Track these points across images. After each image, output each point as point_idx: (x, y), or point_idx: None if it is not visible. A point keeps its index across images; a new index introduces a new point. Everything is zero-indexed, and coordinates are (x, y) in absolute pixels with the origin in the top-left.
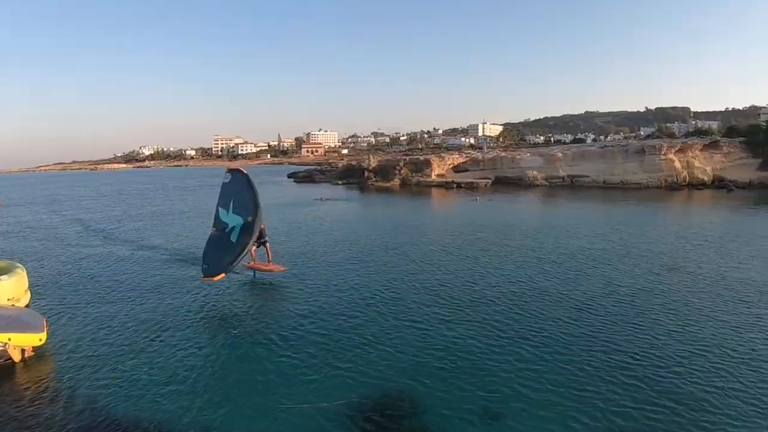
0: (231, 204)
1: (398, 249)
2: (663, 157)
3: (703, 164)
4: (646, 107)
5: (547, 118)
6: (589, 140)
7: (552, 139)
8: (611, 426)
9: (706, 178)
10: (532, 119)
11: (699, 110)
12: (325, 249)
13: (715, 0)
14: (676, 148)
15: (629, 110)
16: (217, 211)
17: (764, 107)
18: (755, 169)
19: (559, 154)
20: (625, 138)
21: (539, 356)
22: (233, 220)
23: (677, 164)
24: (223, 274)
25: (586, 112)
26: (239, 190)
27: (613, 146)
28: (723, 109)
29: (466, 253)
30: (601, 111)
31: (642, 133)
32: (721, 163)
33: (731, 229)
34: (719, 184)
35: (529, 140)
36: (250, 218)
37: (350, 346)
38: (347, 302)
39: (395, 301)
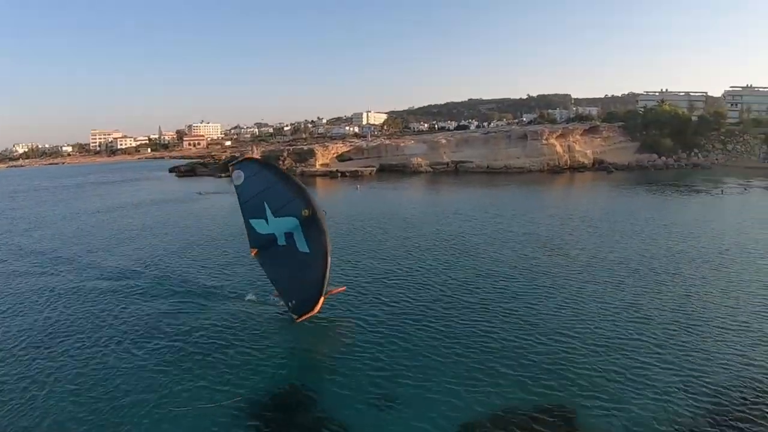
0: (266, 208)
1: None
2: (545, 142)
3: (584, 148)
4: (528, 94)
5: (431, 105)
6: (472, 127)
7: (436, 126)
8: (490, 400)
9: (586, 162)
10: (416, 107)
11: (580, 97)
12: (201, 248)
13: None
14: (558, 133)
15: (512, 97)
16: (249, 226)
17: (642, 94)
18: (633, 152)
19: (443, 141)
20: (508, 124)
21: (424, 341)
22: (281, 225)
23: (559, 148)
24: (322, 300)
25: (470, 99)
26: (267, 186)
27: (496, 132)
28: (603, 96)
29: (345, 246)
30: (485, 98)
31: (525, 119)
32: (601, 146)
33: (612, 209)
34: (599, 166)
35: (414, 128)
36: (305, 211)
37: (236, 345)
38: (225, 299)
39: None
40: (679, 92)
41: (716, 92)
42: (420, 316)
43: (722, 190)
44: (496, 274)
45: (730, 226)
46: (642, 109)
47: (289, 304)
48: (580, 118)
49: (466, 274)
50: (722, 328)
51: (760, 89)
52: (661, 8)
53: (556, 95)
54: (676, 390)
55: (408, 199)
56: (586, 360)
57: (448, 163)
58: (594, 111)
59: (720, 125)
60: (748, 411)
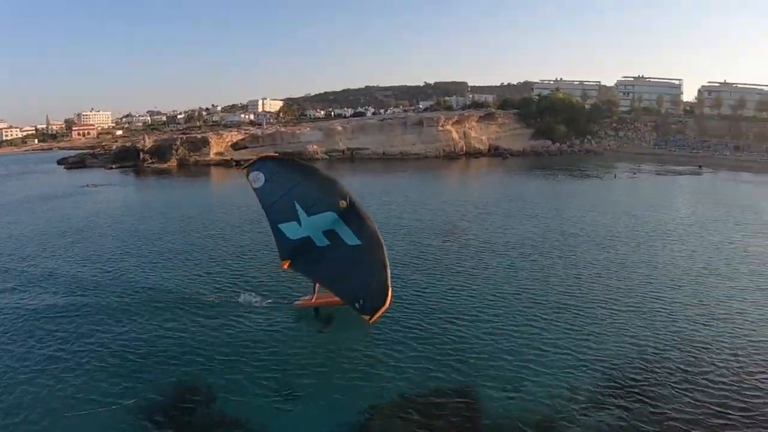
0: (297, 208)
1: (163, 239)
2: (441, 128)
3: (480, 135)
4: (425, 82)
5: (327, 92)
6: (369, 114)
7: (333, 113)
8: (390, 388)
9: (482, 148)
10: (313, 94)
11: (476, 85)
12: (78, 247)
13: None
14: (454, 120)
15: (409, 84)
16: (278, 233)
17: (537, 82)
18: (528, 139)
19: (339, 128)
20: (404, 111)
21: (321, 334)
22: (317, 224)
23: (455, 135)
24: (390, 293)
25: (366, 86)
26: (293, 184)
27: (392, 119)
28: (499, 84)
29: (240, 238)
30: (381, 85)
31: (421, 106)
32: (497, 133)
33: (506, 194)
34: (495, 152)
35: (310, 115)
36: (342, 202)
37: (133, 344)
38: (114, 297)
39: (170, 292)
40: (574, 81)
41: (609, 82)
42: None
43: (615, 175)
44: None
45: (621, 209)
46: (537, 97)
47: (357, 305)
48: (477, 105)
49: None
50: (613, 308)
51: (651, 79)
52: (556, 2)
53: (452, 83)
54: (571, 368)
55: None
56: (482, 343)
57: (344, 151)
58: (490, 98)
59: (612, 113)
60: (638, 384)
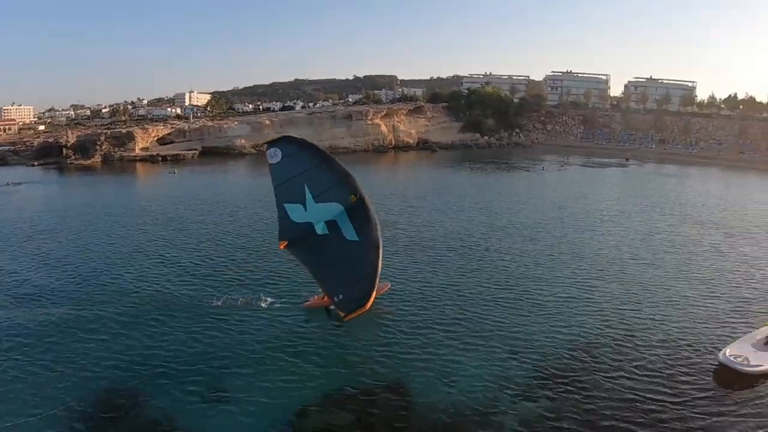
0: (306, 192)
1: (80, 239)
2: (370, 122)
3: (409, 128)
4: (354, 75)
5: (256, 86)
6: (298, 107)
7: (261, 107)
8: (323, 385)
9: (411, 141)
10: (241, 87)
11: (406, 78)
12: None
13: None
14: (383, 113)
15: (339, 78)
16: (282, 212)
17: (466, 76)
18: (457, 132)
19: (267, 122)
20: (333, 105)
21: (250, 332)
22: (321, 212)
23: (384, 128)
24: (374, 295)
25: (295, 79)
26: (308, 167)
27: (321, 113)
28: (428, 78)
29: (159, 236)
30: (311, 79)
31: (350, 99)
32: (426, 126)
33: (435, 187)
34: (424, 145)
35: (239, 109)
36: (353, 196)
37: (57, 350)
38: (47, 302)
39: (109, 296)
40: (503, 76)
41: (538, 76)
42: (238, 306)
43: (543, 167)
44: None
45: (549, 202)
46: (466, 91)
47: (335, 299)
48: (406, 99)
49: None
50: (541, 299)
51: (579, 74)
52: None
53: (382, 76)
54: (501, 359)
55: (231, 182)
56: (412, 338)
57: None
58: (419, 92)
59: (541, 107)
60: (567, 373)
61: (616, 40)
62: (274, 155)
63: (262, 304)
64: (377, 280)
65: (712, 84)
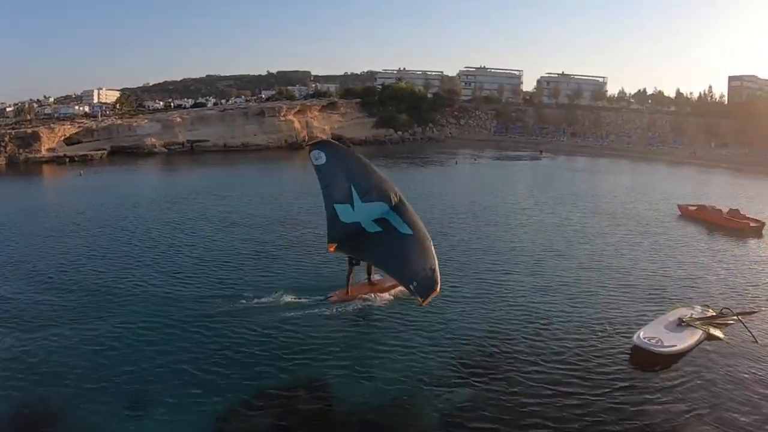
0: (353, 192)
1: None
2: (283, 118)
3: (322, 124)
4: (268, 71)
5: (167, 82)
6: (210, 104)
7: (173, 104)
8: (242, 386)
9: (325, 137)
10: (152, 84)
11: (320, 74)
12: None
13: None
14: (296, 110)
15: (252, 74)
16: (333, 213)
17: (380, 72)
18: (371, 128)
19: (178, 119)
20: (246, 101)
21: (163, 338)
22: (368, 212)
23: (297, 125)
24: (440, 281)
25: (207, 76)
26: (352, 169)
27: (233, 109)
28: (342, 74)
29: (71, 248)
30: (223, 75)
31: (263, 96)
32: (339, 122)
33: None
34: (338, 141)
35: (149, 106)
36: (394, 197)
37: None
38: None
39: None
40: (417, 71)
41: (452, 72)
42: (154, 308)
43: (456, 162)
44: (227, 257)
45: (462, 196)
46: (380, 87)
47: (411, 286)
48: (319, 95)
49: (193, 264)
50: (457, 293)
51: (492, 70)
52: None
53: (296, 72)
54: (420, 351)
55: (140, 183)
56: (327, 336)
57: (183, 143)
58: (333, 88)
59: (454, 102)
60: (487, 363)
61: (529, 37)
62: (318, 157)
63: (174, 313)
64: (437, 265)
65: (622, 79)
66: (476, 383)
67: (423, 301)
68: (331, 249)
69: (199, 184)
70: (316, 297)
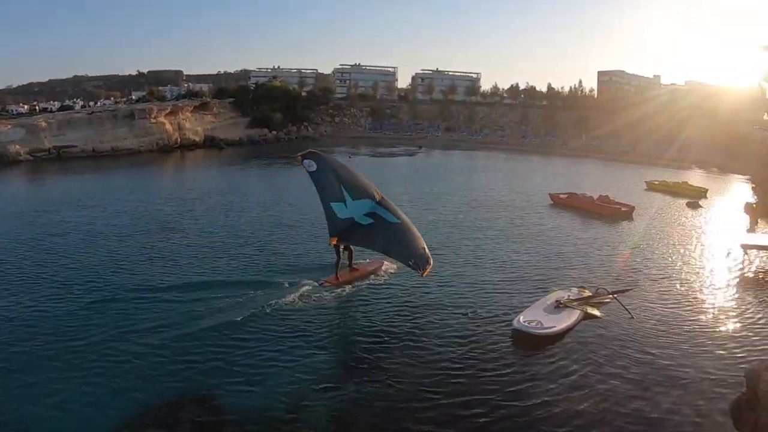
0: (344, 192)
1: None
2: (153, 120)
3: (195, 125)
4: (138, 71)
5: (32, 84)
6: (77, 107)
7: (38, 107)
8: (127, 402)
9: (197, 139)
10: (15, 86)
11: (192, 73)
12: None
13: None
14: (167, 111)
15: (121, 74)
16: (329, 210)
17: (254, 71)
18: (245, 128)
19: (44, 124)
20: (116, 103)
21: (35, 352)
22: (359, 208)
23: (168, 127)
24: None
25: (75, 76)
26: (339, 173)
27: (102, 112)
28: (215, 73)
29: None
30: (91, 75)
31: (134, 97)
32: (212, 123)
33: (221, 187)
34: (211, 143)
35: (12, 110)
36: (376, 194)
37: None
38: None
39: None
40: (292, 69)
41: (327, 70)
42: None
43: None
44: (102, 271)
45: None
46: (253, 85)
47: (410, 263)
48: (191, 95)
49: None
50: (335, 293)
51: (366, 67)
52: None
53: (167, 71)
54: (305, 355)
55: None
56: (215, 344)
57: (49, 149)
58: (205, 87)
59: (329, 100)
60: (373, 358)
61: (404, 34)
62: (310, 165)
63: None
64: (425, 244)
65: (496, 76)
66: (363, 379)
67: (423, 274)
68: (333, 242)
69: (64, 194)
70: (188, 305)
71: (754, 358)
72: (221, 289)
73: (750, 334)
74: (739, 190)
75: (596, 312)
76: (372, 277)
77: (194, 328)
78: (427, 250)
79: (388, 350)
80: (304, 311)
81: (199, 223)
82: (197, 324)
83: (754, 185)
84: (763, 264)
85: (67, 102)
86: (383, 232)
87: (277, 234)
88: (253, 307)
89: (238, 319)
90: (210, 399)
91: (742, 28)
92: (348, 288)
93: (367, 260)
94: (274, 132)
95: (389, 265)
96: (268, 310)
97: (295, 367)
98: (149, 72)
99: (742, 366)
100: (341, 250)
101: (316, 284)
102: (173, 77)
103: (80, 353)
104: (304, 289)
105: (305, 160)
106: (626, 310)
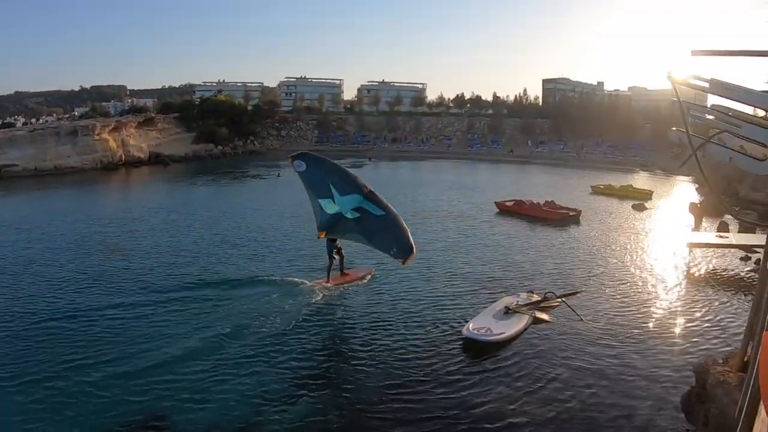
0: (332, 189)
1: None
2: (97, 137)
3: (139, 142)
4: (81, 86)
5: None
6: (19, 124)
7: None
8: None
9: (142, 155)
10: None
11: (136, 88)
12: None
13: None
14: (111, 127)
15: (64, 89)
16: (318, 206)
17: (199, 84)
18: (190, 143)
19: None
20: (58, 119)
21: None
22: (346, 203)
23: (112, 143)
24: (414, 246)
25: (16, 92)
26: (328, 171)
27: (44, 129)
28: (160, 87)
29: None
30: (33, 91)
31: (77, 113)
32: (157, 139)
33: (172, 203)
34: (156, 159)
35: None
36: (365, 188)
37: None
38: None
39: None
40: (237, 83)
41: (273, 82)
42: None
43: (279, 174)
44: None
45: (286, 207)
46: (198, 100)
47: (391, 253)
48: (135, 110)
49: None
50: (280, 305)
51: (312, 80)
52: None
53: (111, 87)
54: (254, 368)
55: None
56: (166, 365)
57: None
58: (150, 102)
59: (275, 113)
60: (322, 374)
61: (350, 46)
62: (300, 165)
63: None
64: (410, 234)
65: (441, 86)
66: (316, 391)
67: (404, 262)
68: (321, 236)
69: (1, 216)
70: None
71: (701, 352)
72: (165, 310)
73: (697, 329)
74: (684, 191)
75: (545, 316)
76: (357, 282)
77: (136, 352)
78: (410, 239)
79: (341, 363)
80: (250, 326)
81: (142, 245)
82: (140, 347)
83: (697, 185)
84: (707, 262)
85: (8, 119)
86: (367, 225)
87: (222, 253)
88: (197, 327)
89: (180, 339)
90: (162, 419)
91: (680, 36)
92: (298, 303)
93: (357, 267)
94: (220, 147)
95: (375, 273)
96: (213, 331)
97: (245, 382)
98: (92, 87)
99: (691, 361)
100: (333, 254)
101: (259, 300)
102: (117, 92)
103: (16, 386)
104: (251, 305)
105: (295, 161)
106: (575, 312)
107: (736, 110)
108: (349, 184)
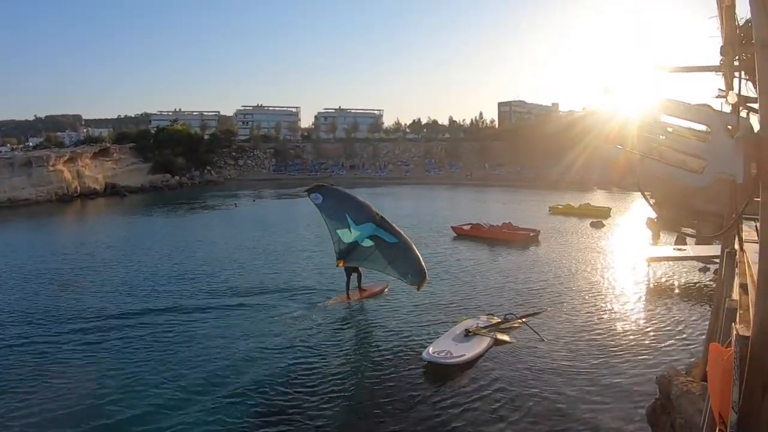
0: (348, 219)
1: None
2: (52, 168)
3: (94, 173)
4: (35, 115)
5: None
6: None
7: None
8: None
9: (98, 187)
10: None
11: (91, 118)
12: None
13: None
14: (66, 158)
15: (18, 119)
16: (336, 237)
17: (155, 114)
18: (146, 173)
19: None
20: (12, 150)
21: None
22: (362, 231)
23: (67, 174)
24: (427, 273)
25: None
26: (342, 202)
27: None
28: (116, 117)
29: None
30: None
31: (31, 143)
32: (113, 169)
33: (127, 236)
34: (112, 190)
35: None
36: (377, 216)
37: None
38: None
39: None
40: (193, 112)
41: (229, 111)
42: None
43: (236, 204)
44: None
45: (241, 239)
46: (155, 129)
47: (407, 279)
48: (91, 141)
49: None
50: (245, 329)
51: (269, 108)
52: (168, 31)
53: (65, 116)
54: (218, 401)
55: None
56: (120, 393)
57: None
58: (105, 132)
59: (232, 142)
60: (283, 402)
61: (306, 75)
62: (317, 198)
63: None
64: (422, 259)
65: (397, 112)
66: (279, 422)
67: (418, 288)
68: (340, 264)
69: None
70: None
71: (665, 364)
72: (117, 342)
73: (659, 342)
74: (641, 207)
75: (506, 337)
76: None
77: (91, 390)
78: (423, 265)
79: (299, 390)
80: (215, 362)
81: (94, 282)
82: (95, 386)
83: (653, 200)
84: (666, 275)
85: None
86: (382, 253)
87: (180, 288)
88: (145, 359)
89: (128, 373)
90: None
91: (630, 56)
92: (258, 331)
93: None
94: (177, 177)
95: (390, 287)
96: (163, 364)
97: (209, 414)
98: (47, 117)
99: (655, 372)
100: (351, 272)
101: (217, 328)
102: (72, 122)
103: None
104: (210, 333)
105: (312, 194)
106: (536, 333)
107: (678, 125)
108: (362, 212)
